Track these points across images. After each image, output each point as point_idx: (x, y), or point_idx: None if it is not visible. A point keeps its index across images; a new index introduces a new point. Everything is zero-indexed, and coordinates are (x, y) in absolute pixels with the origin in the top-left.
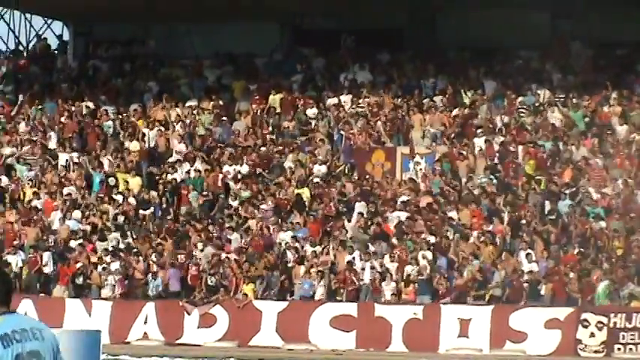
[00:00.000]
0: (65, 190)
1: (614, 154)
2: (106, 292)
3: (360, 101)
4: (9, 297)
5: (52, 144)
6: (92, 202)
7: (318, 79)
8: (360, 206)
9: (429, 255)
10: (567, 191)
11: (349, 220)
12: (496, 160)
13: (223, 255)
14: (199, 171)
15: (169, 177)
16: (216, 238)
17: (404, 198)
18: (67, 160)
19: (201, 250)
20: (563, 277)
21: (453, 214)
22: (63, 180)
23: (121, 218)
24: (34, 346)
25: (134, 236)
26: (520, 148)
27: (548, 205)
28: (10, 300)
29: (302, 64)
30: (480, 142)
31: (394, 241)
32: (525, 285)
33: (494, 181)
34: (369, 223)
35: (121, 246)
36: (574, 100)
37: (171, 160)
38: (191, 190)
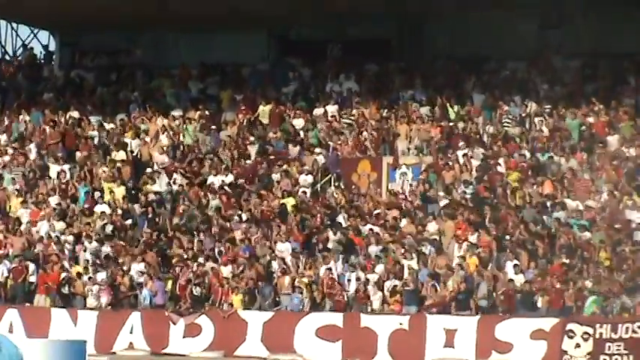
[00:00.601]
0: (51, 200)
1: (601, 166)
2: (91, 302)
3: (347, 112)
4: None
5: (37, 154)
6: (77, 212)
7: (310, 91)
8: (341, 218)
9: (414, 265)
10: (550, 203)
11: (335, 233)
12: (481, 172)
13: (207, 266)
14: (182, 184)
15: (151, 188)
16: (199, 250)
17: (385, 210)
18: (54, 171)
19: (187, 261)
20: (551, 288)
21: (434, 225)
22: (49, 190)
23: (109, 228)
24: None
25: (118, 247)
26: (503, 159)
27: (533, 217)
28: None
29: (293, 74)
30: (465, 153)
31: (378, 252)
32: (518, 295)
33: (479, 192)
34: (350, 234)
35: (106, 255)
36: (561, 112)
37: (152, 170)
38: (173, 202)
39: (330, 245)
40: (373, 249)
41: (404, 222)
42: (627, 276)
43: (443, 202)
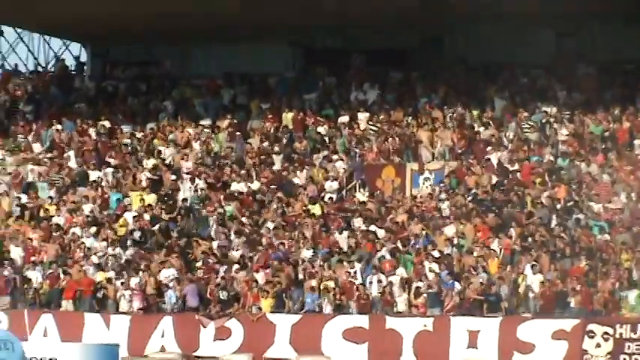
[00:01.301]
0: (84, 207)
1: (620, 168)
2: (123, 307)
3: (371, 119)
4: None
5: (71, 163)
6: (109, 218)
7: (334, 99)
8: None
9: (436, 268)
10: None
11: (355, 237)
12: (502, 176)
13: (235, 271)
14: (204, 189)
15: (181, 195)
16: (223, 255)
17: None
18: (87, 179)
19: (215, 265)
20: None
21: (456, 227)
22: (82, 197)
23: (137, 234)
24: (4, 355)
25: (148, 252)
26: (525, 163)
27: (554, 220)
28: None
29: (317, 83)
30: (488, 158)
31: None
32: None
33: (501, 196)
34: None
35: (136, 261)
36: (581, 117)
37: (183, 177)
38: (202, 207)
39: (349, 249)
40: (398, 253)
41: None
42: None
43: (465, 206)
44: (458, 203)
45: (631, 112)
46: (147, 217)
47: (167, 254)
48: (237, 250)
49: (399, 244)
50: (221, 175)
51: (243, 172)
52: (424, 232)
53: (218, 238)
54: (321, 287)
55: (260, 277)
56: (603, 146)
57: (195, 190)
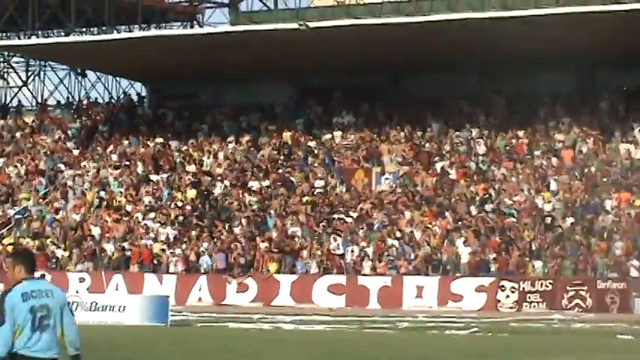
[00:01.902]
0: (145, 199)
1: (523, 172)
2: (171, 269)
3: (346, 137)
4: (33, 268)
5: (136, 168)
6: (162, 207)
7: (320, 122)
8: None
9: (395, 242)
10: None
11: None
12: (440, 177)
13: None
14: (233, 186)
15: (213, 190)
16: (249, 232)
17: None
18: (146, 179)
19: (238, 239)
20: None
21: (409, 213)
22: (143, 192)
23: (181, 218)
24: (45, 301)
25: (190, 231)
26: (455, 168)
27: (477, 208)
28: (34, 270)
29: (308, 111)
30: (431, 164)
31: (369, 232)
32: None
33: (441, 191)
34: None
35: (181, 237)
36: (494, 135)
37: (213, 178)
38: (227, 199)
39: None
40: (367, 231)
41: (384, 212)
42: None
43: (413, 199)
44: (409, 195)
45: (530, 132)
46: (188, 206)
47: (202, 232)
48: (253, 229)
49: (366, 225)
50: (242, 176)
51: (257, 174)
52: (385, 217)
53: (238, 220)
54: (311, 255)
55: (266, 248)
56: (509, 156)
57: (224, 188)
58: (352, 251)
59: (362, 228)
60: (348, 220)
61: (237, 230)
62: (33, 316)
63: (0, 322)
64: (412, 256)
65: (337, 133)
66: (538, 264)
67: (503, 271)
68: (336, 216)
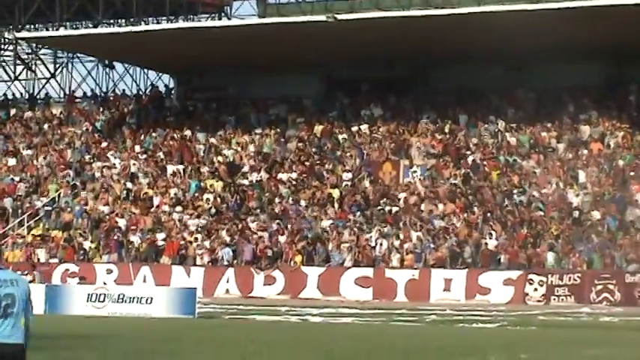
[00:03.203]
0: (171, 191)
1: (552, 165)
2: (199, 261)
3: (375, 129)
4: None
5: (162, 159)
6: (190, 199)
7: (348, 114)
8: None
9: (421, 235)
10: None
11: (367, 212)
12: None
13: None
14: (261, 178)
15: (241, 182)
16: (277, 224)
17: (403, 195)
18: (173, 171)
19: (264, 232)
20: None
21: (437, 206)
22: (170, 184)
23: (211, 210)
24: (10, 290)
25: (217, 223)
26: (486, 161)
27: (505, 200)
28: (1, 259)
29: (336, 103)
30: (458, 157)
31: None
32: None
33: (468, 184)
34: (381, 213)
35: (208, 229)
36: (522, 128)
37: (241, 170)
38: (255, 192)
39: (363, 221)
40: (394, 224)
41: (412, 205)
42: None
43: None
44: (437, 188)
45: (558, 125)
46: (216, 198)
47: (229, 224)
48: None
49: (394, 218)
50: (270, 168)
51: (285, 166)
52: (412, 210)
53: (267, 213)
54: (340, 247)
55: (294, 240)
56: (537, 149)
57: (252, 180)
58: (381, 244)
59: (390, 221)
60: (377, 212)
61: (264, 222)
62: None
63: None
64: (440, 249)
65: (365, 126)
66: (566, 257)
67: (531, 264)
68: (364, 208)
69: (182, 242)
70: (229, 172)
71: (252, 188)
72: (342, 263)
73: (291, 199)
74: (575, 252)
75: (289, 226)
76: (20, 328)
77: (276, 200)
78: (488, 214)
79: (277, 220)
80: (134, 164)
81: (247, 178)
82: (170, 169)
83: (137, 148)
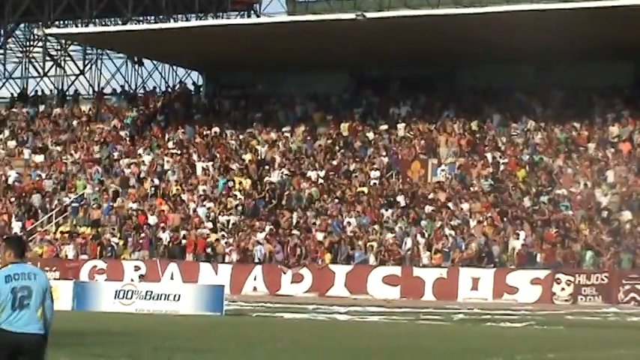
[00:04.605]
0: (200, 188)
1: (580, 164)
2: (227, 258)
3: (404, 128)
4: (23, 253)
5: (191, 157)
6: (218, 196)
7: (377, 113)
8: (401, 200)
9: (451, 233)
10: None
11: (396, 210)
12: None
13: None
14: (289, 175)
15: (269, 179)
16: (304, 222)
17: (432, 194)
18: (202, 168)
19: (293, 230)
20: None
21: (465, 205)
22: (199, 181)
23: (239, 207)
24: (27, 283)
25: (246, 221)
26: (514, 159)
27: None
28: (24, 255)
29: (364, 101)
30: (486, 156)
31: (425, 224)
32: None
33: (496, 183)
34: (409, 212)
35: (237, 226)
36: (551, 127)
37: (269, 167)
38: (283, 189)
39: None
40: (422, 222)
41: (441, 204)
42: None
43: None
44: (466, 187)
45: (587, 124)
46: (244, 196)
47: (258, 221)
48: (309, 218)
49: (422, 217)
50: (298, 166)
51: (314, 164)
52: (441, 208)
53: (296, 211)
54: (367, 246)
55: (322, 238)
56: (566, 148)
57: (281, 177)
58: (407, 243)
59: (418, 219)
60: (405, 211)
61: (293, 220)
62: (14, 296)
63: None
64: (468, 248)
65: (393, 125)
66: (594, 257)
67: (559, 263)
68: (392, 207)
69: (210, 240)
70: (257, 170)
71: (280, 186)
72: (365, 262)
73: (318, 197)
74: (608, 252)
75: (317, 224)
76: (37, 319)
77: (304, 198)
78: (516, 213)
79: (305, 218)
80: (162, 161)
81: (276, 176)
82: (199, 166)
83: (166, 145)
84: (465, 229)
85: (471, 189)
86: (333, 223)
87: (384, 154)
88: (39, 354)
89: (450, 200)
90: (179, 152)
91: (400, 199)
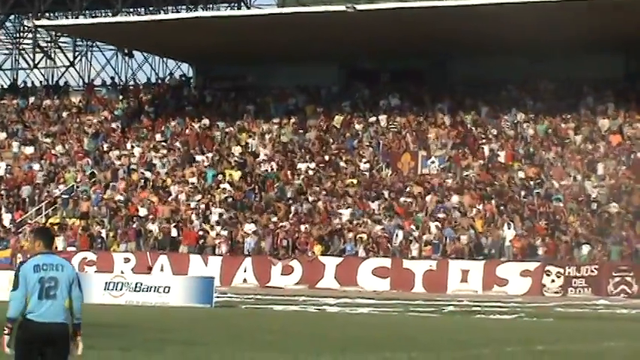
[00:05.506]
0: (189, 180)
1: (570, 156)
2: (217, 250)
3: (393, 120)
4: (52, 244)
5: (181, 149)
6: (207, 188)
7: (367, 105)
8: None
9: (440, 225)
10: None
11: (383, 202)
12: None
13: (296, 225)
14: (279, 168)
15: (258, 172)
16: (294, 214)
17: (421, 186)
18: (192, 160)
19: (281, 221)
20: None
21: (455, 197)
22: (187, 173)
23: (228, 199)
24: (54, 274)
25: (235, 212)
26: (504, 152)
27: (523, 192)
28: (52, 246)
29: (355, 94)
30: (477, 148)
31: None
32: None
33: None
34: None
35: (226, 218)
36: (542, 120)
37: (259, 159)
38: (273, 181)
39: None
40: (412, 214)
41: (431, 196)
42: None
43: (458, 183)
44: (455, 179)
45: (577, 117)
46: (234, 188)
47: (247, 213)
48: (298, 209)
49: (412, 209)
50: (289, 158)
51: (304, 156)
52: (430, 201)
53: (284, 202)
54: (357, 238)
55: (312, 229)
56: (556, 140)
57: (271, 169)
58: (397, 235)
59: (408, 211)
60: (394, 203)
61: (282, 212)
62: (41, 285)
63: (15, 287)
64: (457, 240)
65: (384, 117)
66: (584, 249)
67: (549, 255)
68: (381, 199)
69: (200, 232)
70: (247, 162)
71: (269, 178)
72: (355, 254)
73: (308, 189)
74: (599, 244)
75: (307, 216)
76: (64, 310)
77: (294, 190)
78: (506, 206)
79: (295, 210)
80: (152, 153)
81: (266, 168)
82: (188, 158)
83: (156, 137)
84: (456, 222)
85: (461, 181)
86: (323, 215)
87: (374, 145)
88: (65, 344)
89: (439, 192)
90: (169, 144)
91: (389, 191)
